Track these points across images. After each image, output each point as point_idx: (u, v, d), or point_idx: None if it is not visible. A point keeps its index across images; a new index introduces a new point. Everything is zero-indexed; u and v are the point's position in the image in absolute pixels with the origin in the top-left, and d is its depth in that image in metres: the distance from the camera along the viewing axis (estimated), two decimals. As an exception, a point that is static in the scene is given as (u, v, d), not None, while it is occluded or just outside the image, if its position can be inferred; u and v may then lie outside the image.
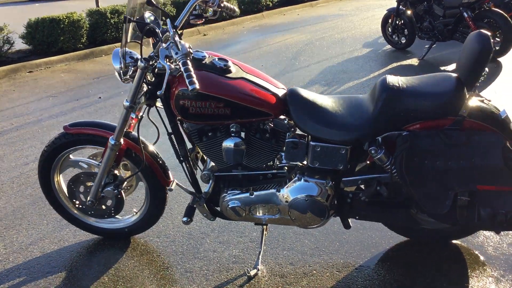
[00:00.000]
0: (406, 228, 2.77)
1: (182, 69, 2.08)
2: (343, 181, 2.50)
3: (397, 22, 7.34)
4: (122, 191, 2.71)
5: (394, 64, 6.79)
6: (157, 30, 2.32)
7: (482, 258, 2.62)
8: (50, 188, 2.83)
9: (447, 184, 2.29)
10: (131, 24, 2.38)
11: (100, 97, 6.13)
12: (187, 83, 2.04)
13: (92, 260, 2.74)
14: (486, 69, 2.29)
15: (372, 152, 2.35)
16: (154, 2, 2.37)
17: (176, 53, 2.12)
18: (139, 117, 2.61)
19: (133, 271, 2.63)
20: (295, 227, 2.85)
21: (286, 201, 2.46)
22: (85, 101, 6.02)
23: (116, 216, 2.91)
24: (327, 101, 2.49)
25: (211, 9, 2.64)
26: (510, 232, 2.82)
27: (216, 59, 2.42)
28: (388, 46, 7.77)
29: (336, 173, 2.48)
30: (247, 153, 2.52)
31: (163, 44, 2.25)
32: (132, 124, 2.71)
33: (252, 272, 2.56)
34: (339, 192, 2.53)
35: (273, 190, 2.51)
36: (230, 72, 2.41)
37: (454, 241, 2.75)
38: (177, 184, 2.65)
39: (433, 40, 6.95)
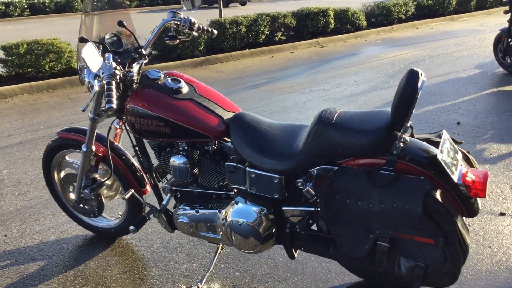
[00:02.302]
0: (361, 268, 2.61)
1: (104, 88, 2.23)
2: (283, 210, 2.46)
3: (510, 43, 6.65)
4: (101, 194, 2.95)
5: (493, 89, 6.19)
6: (99, 53, 2.46)
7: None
8: (52, 184, 3.18)
9: (367, 227, 2.16)
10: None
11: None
12: (105, 101, 2.19)
13: (73, 254, 3.04)
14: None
15: (299, 184, 2.30)
16: (124, 24, 2.57)
17: (103, 73, 2.28)
18: (122, 128, 2.83)
19: (97, 270, 2.86)
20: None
21: (224, 223, 2.49)
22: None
23: (105, 217, 3.17)
24: (271, 128, 2.48)
25: (187, 31, 2.75)
26: None
27: (169, 80, 2.54)
28: (501, 69, 7.08)
29: (276, 201, 2.44)
30: (200, 172, 2.61)
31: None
32: (117, 134, 2.95)
33: (191, 289, 2.62)
34: (280, 220, 2.48)
35: (215, 211, 2.55)
36: (179, 93, 2.51)
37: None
38: (133, 193, 2.81)
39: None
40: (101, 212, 3.03)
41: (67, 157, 3.11)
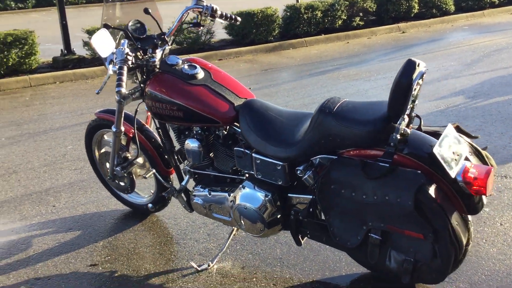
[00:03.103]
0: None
1: (116, 72, 2.38)
2: (289, 197, 2.50)
3: None
4: (132, 172, 3.14)
5: None
6: (113, 39, 2.61)
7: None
8: (93, 161, 3.43)
9: (361, 218, 2.16)
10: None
11: (250, 88, 6.62)
12: (116, 85, 2.34)
13: (107, 226, 3.27)
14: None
15: (298, 172, 2.33)
16: (150, 11, 2.72)
17: (116, 58, 2.42)
18: None
19: (124, 242, 3.06)
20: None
21: (233, 206, 2.58)
22: (237, 90, 6.59)
23: (139, 194, 3.38)
24: (279, 116, 2.52)
25: (209, 18, 2.85)
26: None
27: (186, 66, 2.65)
28: None
29: (282, 187, 2.49)
30: (214, 155, 2.71)
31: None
32: (148, 117, 3.11)
33: (202, 267, 2.74)
34: (286, 207, 2.52)
35: (225, 193, 2.64)
36: (195, 78, 2.61)
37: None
38: (154, 173, 2.96)
39: None
40: (133, 189, 3.22)
41: (105, 136, 3.33)
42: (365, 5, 10.31)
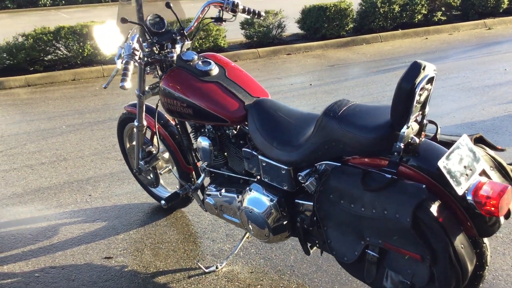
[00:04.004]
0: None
1: (122, 67, 2.37)
2: (296, 203, 2.38)
3: None
4: (157, 167, 3.14)
5: None
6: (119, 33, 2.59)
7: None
8: (125, 154, 3.48)
9: (359, 232, 2.01)
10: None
11: (311, 84, 6.50)
12: (120, 80, 2.33)
13: (132, 219, 3.31)
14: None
15: (299, 178, 2.20)
16: (171, 5, 2.68)
17: (124, 52, 2.40)
18: None
19: (143, 237, 3.08)
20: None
21: (240, 208, 2.50)
22: (298, 85, 6.48)
23: (166, 188, 3.38)
24: (288, 117, 2.40)
25: (230, 13, 2.77)
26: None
27: (200, 62, 2.59)
28: None
29: (288, 192, 2.38)
30: (227, 155, 2.64)
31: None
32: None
33: (210, 268, 2.69)
34: (293, 214, 2.41)
35: (234, 195, 2.57)
36: (208, 75, 2.54)
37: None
38: (169, 170, 2.92)
39: None
40: (158, 184, 3.23)
41: (135, 129, 3.35)
42: (448, -1, 9.72)
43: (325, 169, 2.19)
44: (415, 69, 1.83)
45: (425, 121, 1.99)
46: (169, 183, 3.53)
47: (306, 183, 2.20)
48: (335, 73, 7.04)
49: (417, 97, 1.84)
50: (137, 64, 2.48)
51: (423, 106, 1.95)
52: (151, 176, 3.19)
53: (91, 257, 2.87)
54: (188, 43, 2.79)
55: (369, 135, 1.97)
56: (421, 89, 1.85)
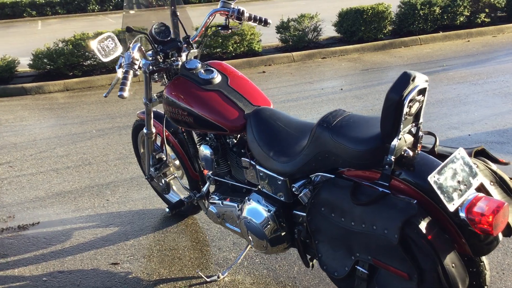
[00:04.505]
0: None
1: (121, 76, 2.38)
2: (294, 214, 2.34)
3: None
4: (167, 174, 3.16)
5: None
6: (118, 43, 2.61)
7: None
8: (140, 159, 3.51)
9: (349, 247, 1.94)
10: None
11: (341, 89, 6.40)
12: (119, 89, 2.35)
13: (144, 225, 3.34)
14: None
15: (293, 189, 2.16)
16: (178, 14, 2.70)
17: (124, 62, 2.42)
18: None
19: (151, 243, 3.10)
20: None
21: (240, 218, 2.48)
22: (329, 90, 6.40)
23: (178, 194, 3.39)
24: (287, 127, 2.36)
25: (236, 21, 2.76)
26: None
27: (202, 71, 2.58)
28: None
29: (286, 203, 2.34)
30: (230, 164, 2.63)
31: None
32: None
33: (212, 278, 2.67)
34: (291, 225, 2.36)
35: (235, 204, 2.54)
36: (210, 83, 2.53)
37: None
38: (175, 177, 2.93)
39: None
40: (169, 190, 3.24)
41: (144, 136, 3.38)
42: (492, 0, 9.36)
43: (320, 180, 2.13)
44: (403, 80, 1.76)
45: (420, 133, 1.91)
46: (182, 190, 3.53)
47: (300, 195, 2.16)
48: (368, 77, 6.91)
49: (406, 109, 1.77)
50: (137, 73, 2.49)
51: (417, 117, 1.87)
52: (163, 182, 3.20)
53: (98, 262, 2.90)
54: (194, 51, 2.79)
55: (359, 147, 1.90)
56: (411, 100, 1.77)
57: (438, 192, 1.72)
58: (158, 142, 3.14)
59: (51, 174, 4.29)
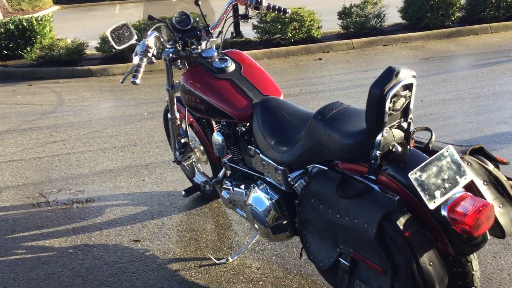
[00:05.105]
0: None
1: (135, 63, 2.49)
2: (295, 204, 2.37)
3: None
4: (191, 157, 3.27)
5: None
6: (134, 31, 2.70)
7: None
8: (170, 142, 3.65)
9: (334, 238, 1.96)
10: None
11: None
12: (132, 76, 2.46)
13: (171, 206, 3.47)
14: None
15: (289, 179, 2.20)
16: (199, 3, 2.78)
17: (139, 50, 2.52)
18: None
19: (173, 223, 3.24)
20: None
21: (246, 204, 2.54)
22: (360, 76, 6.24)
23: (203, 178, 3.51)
24: (291, 117, 2.39)
25: (255, 10, 2.80)
26: None
27: (217, 59, 2.65)
28: None
29: (288, 193, 2.38)
30: (243, 151, 2.69)
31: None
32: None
33: (221, 260, 2.76)
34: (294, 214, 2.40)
35: (243, 191, 2.61)
36: (224, 72, 2.60)
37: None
38: (192, 162, 3.02)
39: None
40: (194, 174, 3.35)
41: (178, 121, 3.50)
42: None
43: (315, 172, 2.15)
44: (386, 74, 1.74)
45: (412, 129, 1.87)
46: (209, 174, 3.63)
47: (295, 185, 2.19)
48: (426, 67, 6.68)
49: (389, 105, 1.75)
50: (154, 61, 2.59)
51: (405, 113, 1.84)
52: (188, 166, 3.32)
53: (122, 238, 3.07)
54: (215, 40, 2.85)
55: (346, 141, 1.91)
56: (395, 96, 1.74)
57: (419, 189, 1.70)
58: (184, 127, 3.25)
59: (98, 153, 4.54)
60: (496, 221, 1.80)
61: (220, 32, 2.88)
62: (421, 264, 1.69)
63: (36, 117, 5.78)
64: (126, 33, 2.68)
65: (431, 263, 1.71)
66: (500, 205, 1.82)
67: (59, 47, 7.99)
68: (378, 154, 1.82)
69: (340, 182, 1.92)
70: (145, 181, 3.88)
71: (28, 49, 8.30)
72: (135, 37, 2.70)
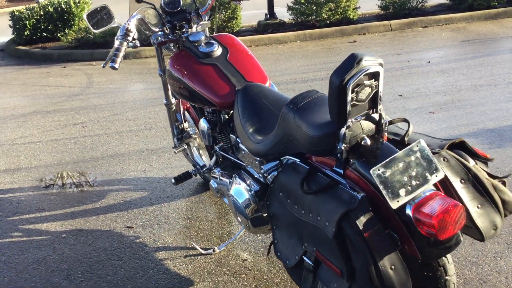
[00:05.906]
0: None
1: (115, 47, 2.43)
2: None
3: None
4: (190, 145, 3.20)
5: None
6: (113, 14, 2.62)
7: None
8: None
9: (300, 236, 1.85)
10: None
11: (429, 62, 5.96)
12: (111, 60, 2.40)
13: (170, 192, 3.41)
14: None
15: (261, 171, 2.09)
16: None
17: (119, 33, 2.45)
18: None
19: (170, 210, 3.18)
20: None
21: (228, 194, 2.45)
22: (415, 62, 5.99)
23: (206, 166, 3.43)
24: (272, 106, 2.27)
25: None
26: None
27: (203, 44, 2.54)
28: None
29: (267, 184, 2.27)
30: (230, 140, 2.60)
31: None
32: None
33: (208, 251, 2.69)
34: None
35: (227, 180, 2.52)
36: (209, 57, 2.50)
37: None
38: (185, 149, 2.94)
39: None
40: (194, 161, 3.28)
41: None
42: None
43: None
44: (347, 62, 1.59)
45: (384, 121, 1.72)
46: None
47: (268, 177, 2.07)
48: (464, 50, 6.33)
49: (352, 95, 1.60)
50: (137, 44, 2.52)
51: (374, 103, 1.68)
52: (188, 153, 3.25)
53: (116, 224, 3.05)
54: (206, 23, 2.75)
55: (312, 133, 1.78)
56: (359, 85, 1.59)
57: (381, 186, 1.55)
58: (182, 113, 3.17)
59: (113, 136, 4.54)
60: (474, 223, 1.63)
61: (211, 15, 2.77)
62: (380, 267, 1.55)
63: (62, 99, 5.86)
64: (105, 16, 2.61)
65: (392, 267, 1.57)
66: (479, 206, 1.65)
67: (94, 30, 8.08)
68: (343, 148, 1.68)
69: (307, 176, 1.79)
70: (152, 166, 3.84)
71: (66, 31, 8.44)
72: (115, 19, 2.63)
